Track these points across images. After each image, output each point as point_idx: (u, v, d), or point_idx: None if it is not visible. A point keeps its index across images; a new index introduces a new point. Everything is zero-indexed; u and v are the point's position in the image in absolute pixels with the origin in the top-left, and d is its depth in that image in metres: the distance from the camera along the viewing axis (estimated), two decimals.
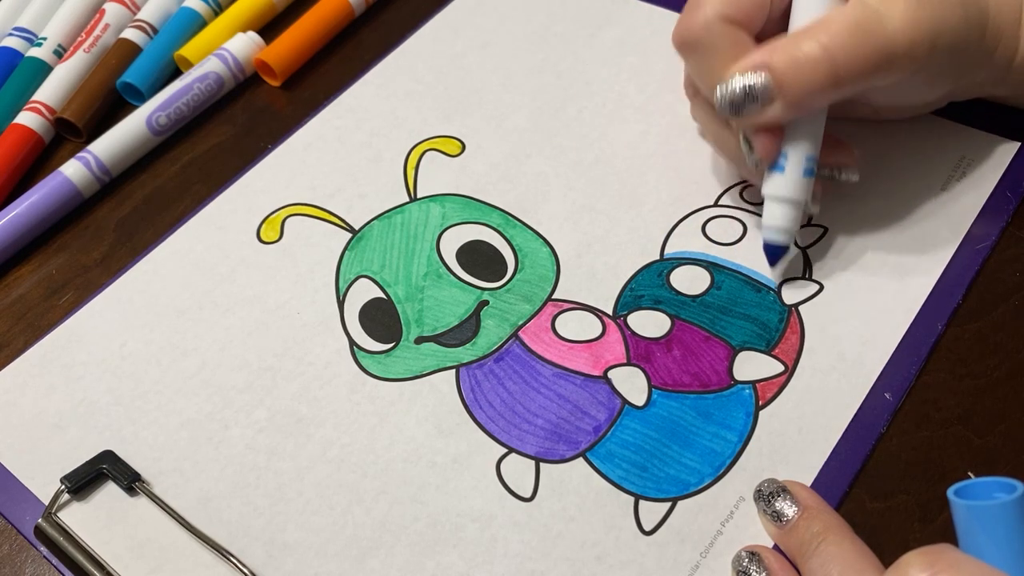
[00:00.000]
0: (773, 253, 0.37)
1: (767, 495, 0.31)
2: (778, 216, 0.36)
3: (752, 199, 0.41)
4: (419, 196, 0.42)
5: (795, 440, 0.34)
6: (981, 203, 0.39)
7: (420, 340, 0.37)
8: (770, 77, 0.33)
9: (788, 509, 0.30)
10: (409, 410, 0.36)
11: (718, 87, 0.34)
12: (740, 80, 0.34)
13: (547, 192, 0.42)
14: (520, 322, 0.38)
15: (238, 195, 0.43)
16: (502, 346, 0.37)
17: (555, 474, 0.34)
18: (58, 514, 0.33)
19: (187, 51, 0.48)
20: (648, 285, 0.38)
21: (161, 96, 0.46)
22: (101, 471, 0.34)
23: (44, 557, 0.33)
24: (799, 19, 0.35)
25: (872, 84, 0.34)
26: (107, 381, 0.37)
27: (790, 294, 0.38)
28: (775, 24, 0.36)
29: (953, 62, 0.35)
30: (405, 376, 0.37)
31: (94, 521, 0.33)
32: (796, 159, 0.35)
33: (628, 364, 0.36)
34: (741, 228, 0.40)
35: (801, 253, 0.39)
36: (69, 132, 0.47)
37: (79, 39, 0.49)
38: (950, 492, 0.26)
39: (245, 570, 0.32)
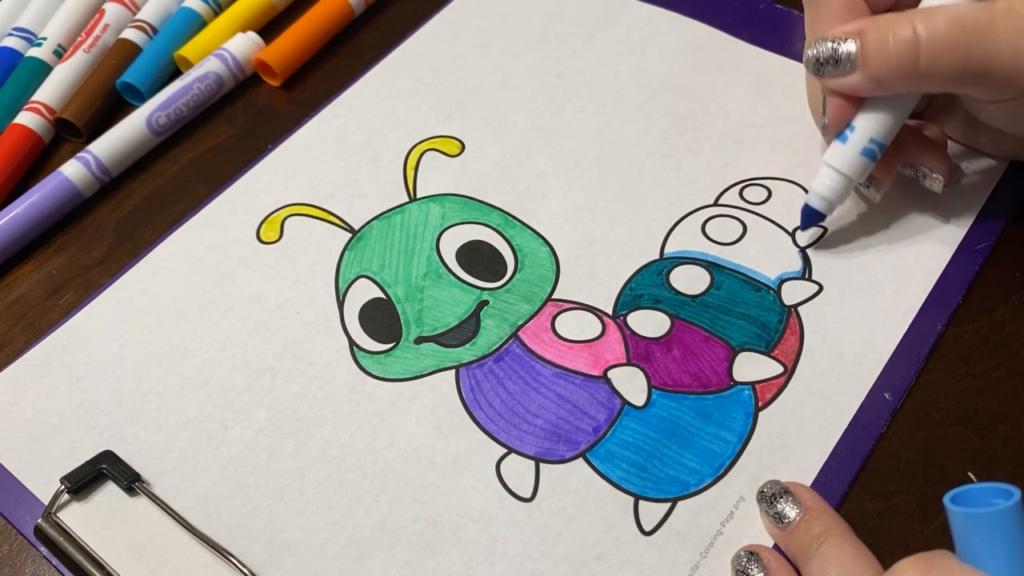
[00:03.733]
0: (808, 216, 0.38)
1: (769, 496, 0.31)
2: (825, 184, 0.36)
3: (752, 199, 0.41)
4: (419, 196, 0.42)
5: (795, 440, 0.34)
6: (981, 203, 0.39)
7: (420, 340, 0.37)
8: (858, 46, 0.33)
9: (790, 510, 0.30)
10: (409, 410, 0.36)
11: (809, 44, 0.34)
12: (831, 41, 0.33)
13: (547, 192, 0.42)
14: (520, 322, 0.38)
15: (238, 195, 0.43)
16: (502, 346, 0.37)
17: (555, 474, 0.34)
18: (58, 514, 0.33)
19: (187, 51, 0.48)
20: (648, 285, 0.38)
21: (161, 96, 0.46)
22: (101, 471, 0.34)
23: (44, 557, 0.33)
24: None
25: (962, 91, 0.33)
26: (107, 381, 0.37)
27: (789, 294, 0.38)
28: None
29: None
30: (405, 376, 0.37)
31: (94, 521, 0.33)
32: (860, 135, 0.35)
33: (628, 364, 0.36)
34: (741, 228, 0.40)
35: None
36: (69, 132, 0.47)
37: (79, 39, 0.49)
38: (946, 499, 0.26)
39: (245, 570, 0.32)
